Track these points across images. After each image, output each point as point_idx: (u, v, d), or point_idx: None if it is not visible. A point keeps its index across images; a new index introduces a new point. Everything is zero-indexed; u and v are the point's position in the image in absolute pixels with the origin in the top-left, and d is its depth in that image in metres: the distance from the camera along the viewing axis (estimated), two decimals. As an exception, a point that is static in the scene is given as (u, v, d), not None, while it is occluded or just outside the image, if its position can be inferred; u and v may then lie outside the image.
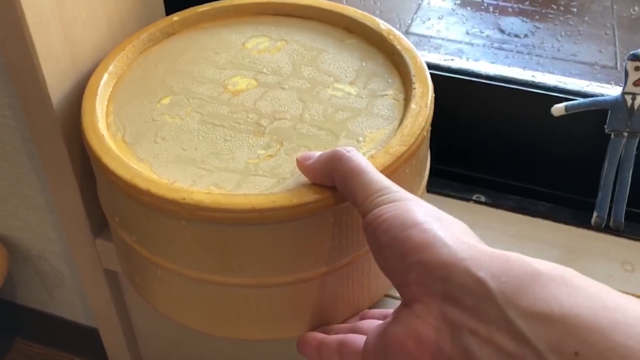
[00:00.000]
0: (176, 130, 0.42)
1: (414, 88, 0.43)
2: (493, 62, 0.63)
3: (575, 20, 0.62)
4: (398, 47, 0.46)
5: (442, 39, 0.68)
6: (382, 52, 0.48)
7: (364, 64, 0.47)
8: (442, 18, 0.69)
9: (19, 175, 0.66)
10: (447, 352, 0.27)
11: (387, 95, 0.44)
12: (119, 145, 0.41)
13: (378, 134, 0.41)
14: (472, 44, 0.67)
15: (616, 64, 0.63)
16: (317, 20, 0.52)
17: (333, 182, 0.35)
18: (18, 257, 0.79)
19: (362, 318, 0.42)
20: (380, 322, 0.37)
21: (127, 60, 0.48)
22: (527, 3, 0.65)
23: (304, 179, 0.37)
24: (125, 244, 0.42)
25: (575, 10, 0.62)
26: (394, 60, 0.47)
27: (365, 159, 0.34)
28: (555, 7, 0.63)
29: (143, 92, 0.46)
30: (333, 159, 0.35)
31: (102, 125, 0.42)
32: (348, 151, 0.34)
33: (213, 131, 0.42)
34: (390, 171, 0.37)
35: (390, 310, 0.40)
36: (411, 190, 0.42)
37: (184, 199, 0.35)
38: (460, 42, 0.67)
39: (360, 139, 0.41)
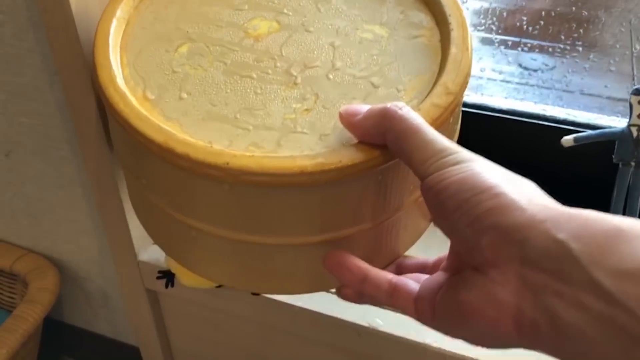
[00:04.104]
0: (201, 82, 0.39)
1: (452, 29, 0.40)
2: (506, 97, 0.67)
3: (595, 55, 0.65)
4: None
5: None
6: None
7: (390, 1, 0.44)
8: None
9: (72, 202, 0.71)
10: (529, 315, 0.27)
11: (421, 37, 0.42)
12: (142, 103, 0.38)
13: (418, 81, 0.39)
14: (492, 80, 0.69)
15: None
16: None
17: (383, 141, 0.33)
18: (67, 278, 0.85)
19: (398, 266, 0.42)
20: (424, 275, 0.37)
21: (133, 3, 0.44)
22: (549, 39, 0.66)
23: (346, 134, 0.35)
24: (152, 205, 0.40)
25: (597, 45, 0.65)
26: None
27: (420, 117, 0.32)
28: (576, 42, 0.65)
29: (157, 39, 0.42)
30: (385, 118, 0.32)
31: (120, 80, 0.39)
32: (400, 108, 0.32)
33: (241, 83, 0.39)
34: (438, 124, 0.36)
35: (429, 259, 0.40)
36: (451, 137, 0.40)
37: (227, 164, 0.33)
38: (480, 78, 0.69)
39: (400, 87, 0.39)
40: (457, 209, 0.29)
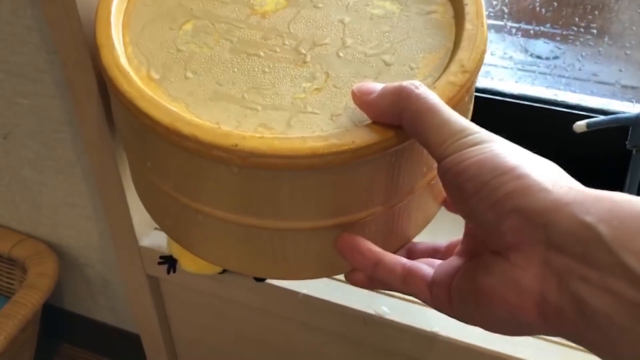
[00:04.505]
0: (207, 61, 0.38)
1: (466, 4, 0.39)
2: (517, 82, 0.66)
3: (609, 38, 0.63)
4: None
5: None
6: None
7: None
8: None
9: (72, 186, 0.70)
10: (554, 301, 0.26)
11: (433, 13, 0.40)
12: (146, 83, 0.36)
13: (431, 59, 0.37)
14: (503, 67, 0.67)
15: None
16: None
17: (398, 121, 0.32)
18: (67, 264, 0.83)
19: (409, 251, 0.40)
20: (437, 260, 0.36)
21: (135, -21, 0.43)
22: (559, 24, 0.64)
23: (359, 114, 0.34)
24: (156, 188, 0.39)
25: (611, 28, 0.63)
26: None
27: (437, 96, 0.31)
28: (591, 25, 0.63)
29: (160, 16, 0.41)
30: (400, 97, 0.31)
31: (124, 59, 0.37)
32: (417, 87, 0.31)
33: (248, 62, 0.38)
34: (453, 103, 0.34)
35: (441, 243, 0.39)
36: (465, 116, 0.39)
37: (236, 145, 0.32)
38: (490, 65, 0.67)
39: (413, 65, 0.37)
40: (477, 192, 0.28)
